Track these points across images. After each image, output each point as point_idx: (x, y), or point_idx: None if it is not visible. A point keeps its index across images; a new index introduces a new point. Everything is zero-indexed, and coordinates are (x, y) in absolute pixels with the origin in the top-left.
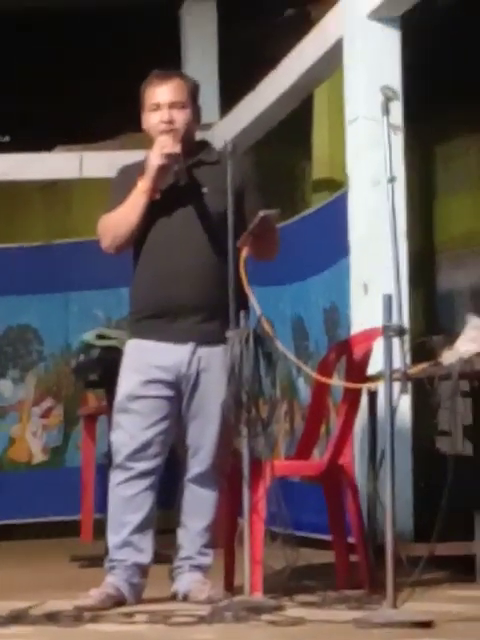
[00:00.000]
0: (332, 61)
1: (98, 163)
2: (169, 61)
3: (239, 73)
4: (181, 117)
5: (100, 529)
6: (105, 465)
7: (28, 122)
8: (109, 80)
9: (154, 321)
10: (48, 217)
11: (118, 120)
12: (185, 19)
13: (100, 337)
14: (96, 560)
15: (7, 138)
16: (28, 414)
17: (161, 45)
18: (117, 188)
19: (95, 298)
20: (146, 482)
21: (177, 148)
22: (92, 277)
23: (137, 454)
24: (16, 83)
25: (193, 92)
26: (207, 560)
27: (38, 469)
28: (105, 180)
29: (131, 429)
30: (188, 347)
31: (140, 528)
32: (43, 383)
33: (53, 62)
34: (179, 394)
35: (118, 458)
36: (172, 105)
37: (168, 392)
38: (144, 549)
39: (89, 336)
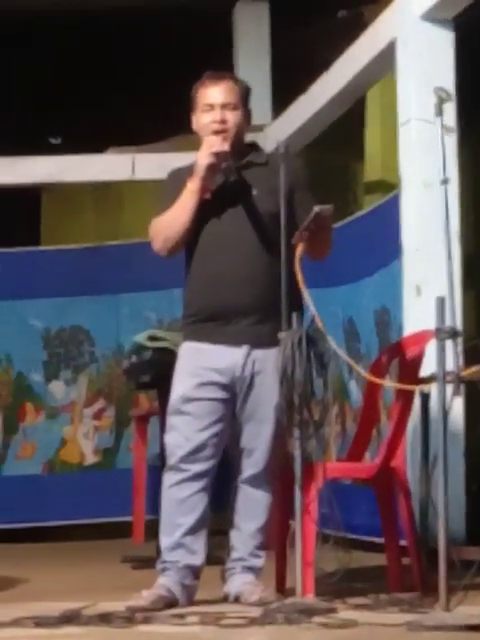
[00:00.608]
0: (385, 63)
1: (150, 165)
2: (221, 62)
3: (291, 75)
4: (232, 118)
5: (151, 530)
6: (157, 466)
7: (80, 124)
8: (161, 81)
9: (208, 324)
10: (100, 219)
11: (170, 122)
12: (238, 20)
13: (152, 338)
14: (148, 561)
15: (59, 140)
16: (80, 415)
17: (213, 46)
18: (167, 191)
19: (146, 300)
20: (199, 484)
21: (225, 146)
22: (143, 279)
23: (191, 456)
24: (68, 85)
25: (244, 94)
26: (259, 562)
27: (90, 470)
28: (157, 182)
29: (185, 431)
30: (242, 350)
31: (193, 530)
32: (95, 384)
33: (105, 63)
34: (233, 396)
35: (172, 460)
36: (224, 106)
37: (222, 394)
38: (197, 551)
39: (141, 337)
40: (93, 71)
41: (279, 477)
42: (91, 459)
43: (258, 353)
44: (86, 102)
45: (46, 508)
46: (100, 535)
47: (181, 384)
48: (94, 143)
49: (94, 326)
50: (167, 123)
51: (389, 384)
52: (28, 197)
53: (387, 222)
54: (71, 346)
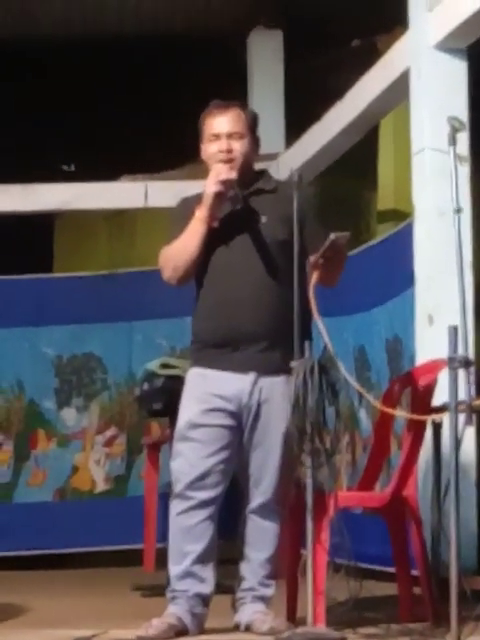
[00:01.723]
0: (398, 92)
1: (163, 193)
2: (235, 90)
3: (305, 103)
4: (239, 147)
5: (162, 558)
6: (168, 494)
7: (93, 151)
8: (174, 109)
9: (215, 350)
10: (113, 246)
11: (183, 150)
12: (252, 49)
13: (164, 366)
14: (158, 589)
15: (73, 167)
16: (91, 442)
17: (227, 75)
18: (177, 220)
19: (159, 327)
20: (206, 512)
21: (232, 174)
22: (156, 306)
23: (197, 483)
24: (82, 113)
25: (252, 122)
26: (269, 591)
27: (101, 498)
28: (170, 210)
29: (192, 458)
30: (250, 377)
31: (201, 558)
32: (107, 412)
33: (119, 91)
34: (240, 424)
35: (178, 487)
36: (230, 135)
37: (229, 421)
38: (206, 579)
39: (153, 365)
40: (106, 99)
41: (290, 506)
42: (102, 486)
43: (265, 381)
44: (99, 130)
45: (57, 535)
46: (111, 562)
47: (187, 410)
48: (107, 171)
49: (106, 353)
50: (180, 151)
51: (400, 414)
52: (41, 224)
53: (400, 251)
54: (83, 373)
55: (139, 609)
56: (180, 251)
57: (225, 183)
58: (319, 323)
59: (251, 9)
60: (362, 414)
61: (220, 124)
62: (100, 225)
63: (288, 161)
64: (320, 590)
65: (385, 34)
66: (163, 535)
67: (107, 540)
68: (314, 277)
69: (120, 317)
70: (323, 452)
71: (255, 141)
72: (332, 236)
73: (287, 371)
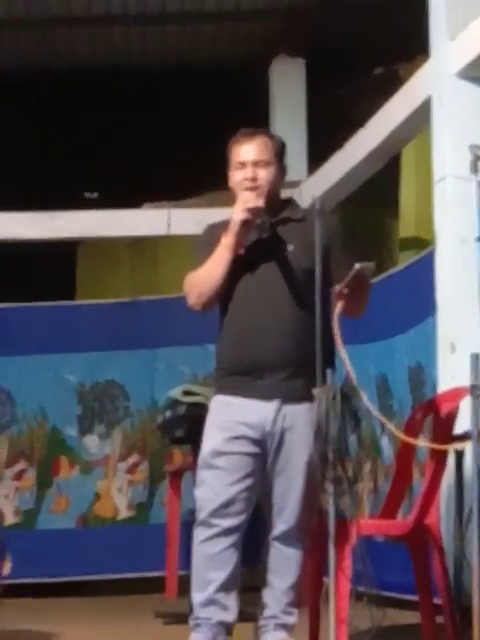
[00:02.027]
0: (420, 120)
1: (185, 220)
2: (257, 119)
3: (327, 131)
4: (265, 175)
5: (185, 586)
6: (190, 522)
7: (116, 179)
8: (197, 137)
9: (240, 378)
10: (135, 273)
11: (205, 177)
12: (274, 77)
13: (186, 393)
14: (180, 617)
15: (95, 195)
16: (114, 470)
17: (250, 102)
18: (203, 246)
19: (181, 354)
20: (230, 539)
21: (259, 202)
22: (178, 333)
23: (221, 510)
24: (104, 140)
25: (279, 150)
26: (292, 619)
27: (123, 525)
28: (192, 237)
29: (216, 485)
30: (273, 405)
31: (225, 586)
32: (129, 439)
33: (141, 119)
34: (264, 451)
35: (202, 515)
36: (256, 163)
37: (253, 449)
38: (229, 607)
39: (175, 392)
40: (129, 127)
41: (312, 534)
42: (125, 514)
43: (289, 408)
44: (122, 158)
45: (80, 562)
46: (133, 590)
47: (211, 438)
48: (130, 198)
49: (128, 381)
50: (202, 179)
51: (423, 443)
52: (64, 252)
53: (422, 279)
54: (105, 400)
55: (161, 636)
56: (205, 277)
57: (252, 211)
58: (342, 353)
59: (273, 38)
60: (384, 442)
61: (246, 152)
62: (122, 252)
63: (310, 189)
64: (342, 618)
65: (407, 62)
66: (185, 562)
67: (129, 567)
68: (338, 307)
69: (142, 344)
70: (345, 480)
71: (282, 169)
72: (357, 266)
73: (311, 399)
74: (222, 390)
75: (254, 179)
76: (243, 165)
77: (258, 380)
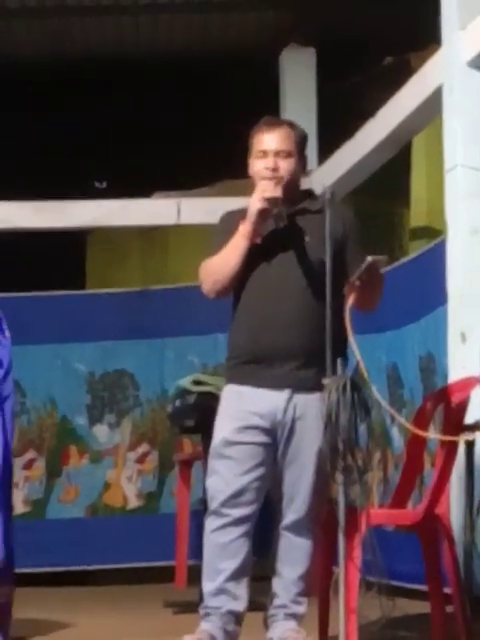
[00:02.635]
0: (431, 109)
1: (195, 210)
2: (268, 108)
3: (338, 121)
4: (285, 165)
5: (194, 575)
6: (200, 511)
7: (126, 169)
8: (207, 127)
9: (251, 367)
10: (145, 263)
11: (215, 167)
12: (284, 67)
13: (196, 383)
14: (190, 606)
15: (105, 184)
16: (123, 459)
17: (260, 92)
18: (220, 233)
19: (191, 344)
20: (241, 529)
21: (278, 192)
22: (188, 323)
23: (232, 500)
24: (114, 130)
25: (300, 142)
26: (301, 608)
27: (133, 514)
28: (202, 227)
29: (227, 475)
30: (284, 394)
31: (235, 575)
32: (139, 428)
33: (152, 109)
34: (275, 441)
35: (213, 504)
36: (277, 153)
37: (264, 438)
38: (239, 596)
39: (185, 382)
40: (139, 116)
41: (322, 523)
42: (134, 503)
43: (300, 398)
44: (132, 147)
45: (89, 552)
46: (143, 579)
47: (223, 428)
48: (139, 188)
49: (138, 370)
50: (212, 168)
51: (432, 435)
52: (74, 241)
53: (432, 268)
54: (115, 390)
55: (171, 626)
56: (221, 265)
57: (270, 201)
58: (353, 345)
59: (284, 27)
60: (394, 431)
61: (268, 141)
62: (132, 242)
63: (321, 178)
64: (352, 608)
65: (418, 51)
66: (195, 552)
67: (139, 557)
68: (350, 299)
69: (152, 334)
70: (355, 469)
71: (302, 161)
72: (369, 259)
73: (322, 389)
74: (233, 379)
75: (275, 169)
76: (264, 154)
77: (269, 369)
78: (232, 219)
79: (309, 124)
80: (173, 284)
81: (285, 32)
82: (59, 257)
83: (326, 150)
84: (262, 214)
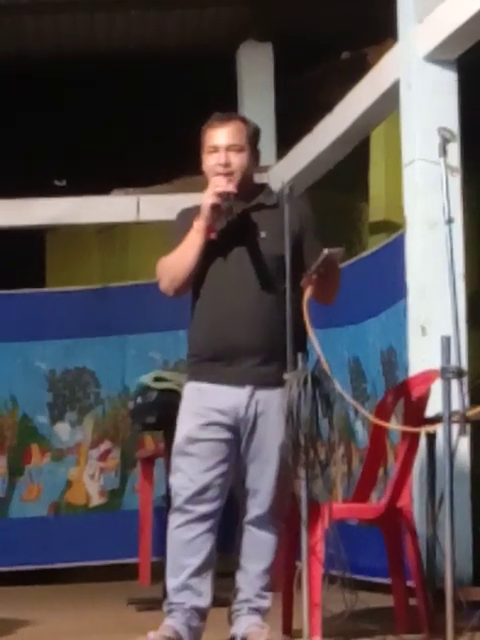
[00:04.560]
0: (389, 103)
1: (155, 206)
2: (226, 104)
3: (296, 116)
4: (238, 160)
5: (158, 572)
6: (162, 508)
7: (84, 166)
8: (165, 123)
9: (212, 364)
10: (105, 260)
11: (174, 163)
12: (241, 62)
13: (157, 380)
14: (154, 603)
15: (64, 182)
16: (85, 457)
17: (218, 88)
18: (176, 231)
19: (152, 341)
20: (205, 525)
21: (230, 187)
22: (149, 320)
23: (196, 497)
24: (72, 127)
25: (252, 136)
26: (265, 603)
27: (95, 512)
28: (162, 223)
29: (190, 472)
30: (246, 390)
31: (199, 571)
32: (100, 426)
33: (109, 106)
34: (237, 437)
35: (177, 501)
36: (229, 148)
37: (226, 435)
38: (203, 592)
39: (146, 379)
40: (97, 114)
41: (286, 518)
42: (97, 501)
43: (262, 394)
44: (90, 145)
45: (52, 550)
46: (106, 577)
47: (185, 425)
48: (98, 185)
49: (99, 368)
50: (171, 165)
51: (394, 427)
52: (33, 239)
53: (392, 262)
54: (76, 388)
55: (135, 623)
56: (177, 262)
57: (221, 195)
58: (312, 337)
59: (241, 23)
60: (358, 425)
61: (219, 136)
62: (92, 239)
63: (279, 174)
64: (316, 602)
65: (375, 46)
66: (158, 549)
67: (102, 554)
68: (307, 292)
69: (113, 331)
70: (317, 464)
71: (255, 154)
72: (325, 251)
73: (283, 384)
74: (194, 376)
75: (227, 164)
76: (216, 149)
77: (230, 366)
78: (188, 216)
79: (267, 119)
80: (133, 281)
81: (242, 28)
82: (19, 255)
83: (284, 145)
84: (214, 209)
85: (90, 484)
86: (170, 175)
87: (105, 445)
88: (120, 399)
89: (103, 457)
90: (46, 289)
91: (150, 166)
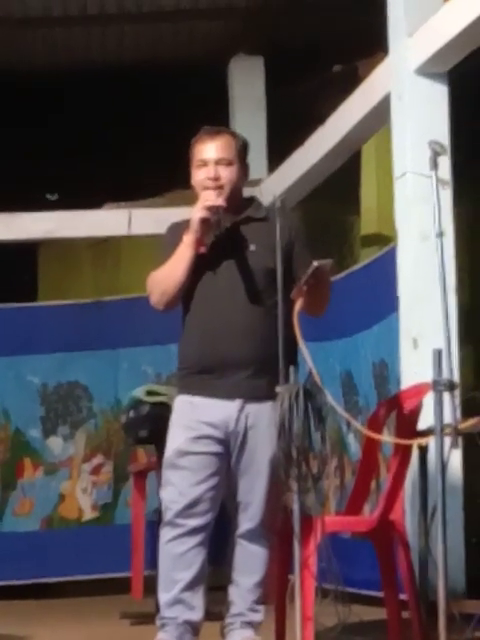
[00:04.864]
0: (380, 116)
1: (146, 220)
2: (217, 117)
3: (287, 129)
4: (227, 174)
5: (150, 586)
6: (155, 522)
7: (76, 180)
8: (157, 137)
9: (202, 377)
10: (97, 274)
11: (166, 177)
12: (233, 76)
13: (150, 393)
14: (146, 617)
15: (56, 196)
16: (78, 471)
17: (209, 101)
18: (166, 245)
19: (144, 354)
20: (196, 539)
21: (219, 201)
22: (141, 334)
23: (187, 511)
24: (64, 141)
25: (241, 149)
26: (258, 617)
27: (88, 526)
28: (153, 237)
29: (181, 485)
30: (236, 403)
31: (191, 585)
32: (93, 440)
33: (101, 119)
34: (228, 450)
35: (168, 515)
36: (219, 162)
37: (217, 448)
38: (195, 606)
39: (139, 392)
40: (88, 127)
41: (278, 531)
42: (89, 515)
43: (252, 407)
44: (82, 158)
45: (45, 564)
46: (99, 591)
47: (176, 438)
48: (90, 199)
49: (92, 381)
50: (163, 178)
51: (386, 439)
52: (25, 253)
53: (384, 275)
54: (69, 402)
55: (128, 637)
56: (167, 276)
57: (211, 209)
58: (303, 350)
59: (232, 36)
60: (351, 438)
61: (209, 150)
62: (84, 253)
63: (271, 187)
64: (308, 616)
65: (366, 59)
66: (151, 562)
67: (95, 568)
68: (297, 304)
69: (105, 345)
70: (310, 477)
71: (244, 168)
72: (315, 263)
73: (273, 397)
74: (185, 389)
75: (217, 178)
76: (205, 163)
77: (220, 379)
78: (178, 230)
79: (259, 133)
80: (125, 295)
81: (233, 41)
82: (11, 269)
83: (276, 159)
84: (204, 223)
85: (83, 498)
86: (162, 188)
87: (98, 459)
88: (113, 413)
89: (96, 471)
90: (38, 303)
91: (142, 179)
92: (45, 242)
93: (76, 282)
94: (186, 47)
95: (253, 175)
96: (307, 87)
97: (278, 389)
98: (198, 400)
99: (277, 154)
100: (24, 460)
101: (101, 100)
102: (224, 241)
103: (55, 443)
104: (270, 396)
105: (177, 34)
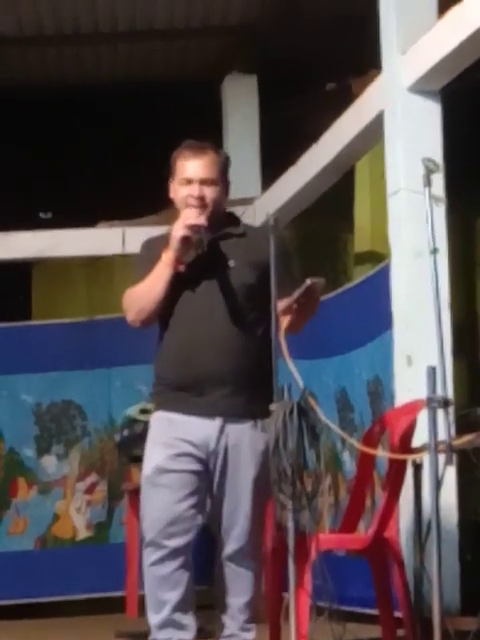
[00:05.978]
0: (373, 134)
1: (140, 239)
2: (210, 135)
3: (280, 147)
4: (210, 193)
5: (145, 605)
6: None
7: (70, 199)
8: (150, 155)
9: (180, 394)
10: (91, 293)
11: (159, 195)
12: (226, 94)
13: (143, 412)
14: (141, 636)
15: (49, 215)
16: (72, 490)
17: (203, 119)
18: (142, 262)
19: (138, 373)
20: (179, 560)
21: (201, 220)
22: (135, 352)
23: (168, 529)
24: (58, 160)
25: (224, 166)
26: (250, 635)
27: (82, 545)
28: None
29: (161, 504)
30: (216, 423)
31: (180, 605)
32: (87, 458)
33: (94, 138)
34: (208, 469)
35: (150, 534)
36: (203, 182)
37: (197, 466)
38: (187, 626)
39: (133, 411)
40: (82, 145)
41: (266, 549)
42: (84, 534)
43: (232, 427)
44: (75, 177)
45: (39, 584)
46: (94, 610)
47: (154, 455)
48: (84, 218)
49: (86, 400)
50: (156, 197)
51: (381, 454)
52: (19, 272)
53: (377, 293)
54: (63, 420)
55: None
56: (145, 294)
57: (192, 228)
58: (291, 365)
59: (225, 55)
60: (345, 456)
61: (194, 169)
62: (78, 272)
63: (264, 205)
64: (303, 634)
65: (359, 77)
66: None
67: (89, 588)
68: (285, 321)
69: (99, 364)
70: (304, 495)
71: (226, 186)
72: (308, 281)
73: (253, 417)
74: (162, 406)
75: (202, 197)
76: (189, 182)
77: (199, 397)
78: (154, 246)
79: (252, 151)
80: (119, 313)
81: (227, 60)
82: (4, 288)
83: (269, 176)
84: (185, 242)
85: (77, 517)
86: (155, 207)
87: (92, 478)
88: (107, 431)
89: (90, 490)
90: (32, 322)
91: (135, 198)
92: (39, 261)
93: (70, 301)
94: (179, 66)
95: (246, 193)
96: (300, 105)
97: (272, 406)
98: (176, 417)
99: (271, 172)
100: (18, 479)
101: (94, 118)
102: (204, 258)
103: (49, 462)
104: (249, 415)
105: (170, 53)
